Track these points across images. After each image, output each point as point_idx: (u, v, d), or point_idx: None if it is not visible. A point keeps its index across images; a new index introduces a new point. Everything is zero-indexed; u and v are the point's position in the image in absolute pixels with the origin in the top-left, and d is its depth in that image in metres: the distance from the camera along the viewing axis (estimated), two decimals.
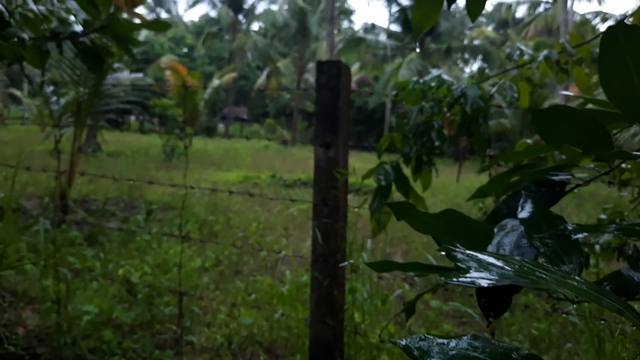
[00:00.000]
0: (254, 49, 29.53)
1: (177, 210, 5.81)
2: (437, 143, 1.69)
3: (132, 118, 30.11)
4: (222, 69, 33.01)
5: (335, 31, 30.14)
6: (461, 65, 29.56)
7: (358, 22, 61.36)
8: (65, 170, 5.22)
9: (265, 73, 30.88)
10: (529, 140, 2.07)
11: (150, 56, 30.02)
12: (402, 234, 5.19)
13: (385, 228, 1.93)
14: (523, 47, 1.63)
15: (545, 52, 1.56)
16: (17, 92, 24.00)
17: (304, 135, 31.79)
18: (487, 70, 1.68)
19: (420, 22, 0.64)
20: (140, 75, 6.58)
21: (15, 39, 1.60)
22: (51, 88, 5.78)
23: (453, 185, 10.33)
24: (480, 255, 0.50)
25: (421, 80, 1.70)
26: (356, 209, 1.92)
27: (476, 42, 27.58)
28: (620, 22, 0.57)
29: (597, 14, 22.02)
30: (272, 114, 38.35)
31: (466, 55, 26.57)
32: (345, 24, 40.72)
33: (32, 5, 1.73)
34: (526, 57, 1.60)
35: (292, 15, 26.44)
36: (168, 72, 17.60)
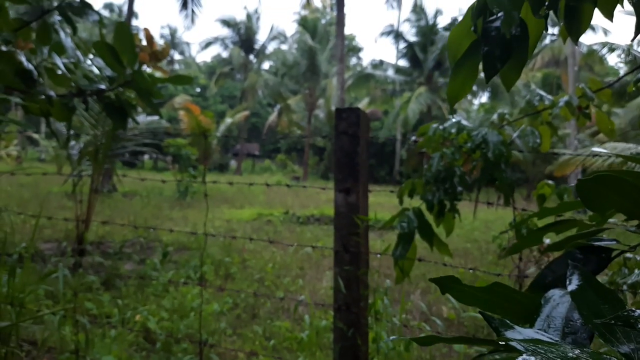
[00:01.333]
0: (265, 87, 30.14)
1: (192, 251, 5.80)
2: (459, 189, 1.68)
3: (146, 157, 30.60)
4: (234, 107, 33.65)
5: (345, 64, 30.70)
6: (470, 97, 29.76)
7: (366, 58, 62.42)
8: (83, 215, 5.28)
9: (276, 110, 31.39)
10: (550, 182, 2.05)
11: (164, 96, 30.77)
12: (420, 272, 5.10)
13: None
14: (542, 93, 1.63)
15: (565, 97, 1.56)
16: (35, 134, 24.60)
17: (315, 170, 31.92)
18: (507, 116, 1.69)
19: (456, 93, 0.64)
20: (156, 118, 6.73)
21: (43, 97, 1.64)
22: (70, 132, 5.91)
23: (469, 219, 10.22)
24: (531, 334, 0.48)
25: (441, 127, 1.70)
26: (378, 255, 1.89)
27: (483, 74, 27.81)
28: (588, 178, 0.57)
29: (603, 44, 22.18)
30: (284, 150, 38.72)
31: (474, 88, 26.79)
32: (353, 60, 41.55)
33: (58, 61, 1.79)
34: (546, 102, 1.60)
35: (301, 53, 27.06)
36: (182, 112, 17.98)
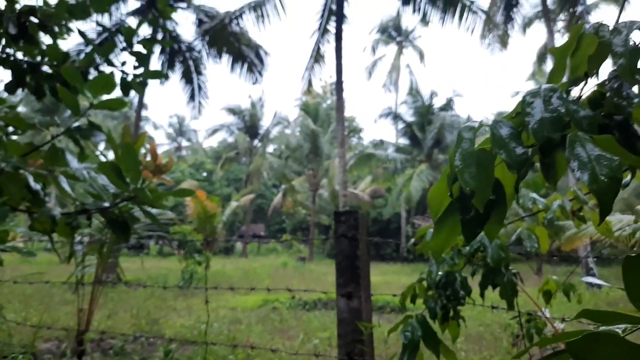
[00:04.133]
0: (270, 169, 30.76)
1: (196, 346, 5.61)
2: (462, 293, 1.66)
3: (152, 242, 30.53)
4: (239, 189, 34.12)
5: (346, 146, 31.60)
6: None
7: (367, 137, 64.12)
8: (84, 311, 5.17)
9: (281, 191, 31.77)
10: (554, 277, 2.02)
11: (167, 207, 31.31)
12: None
13: None
14: (536, 196, 1.67)
15: (558, 201, 1.59)
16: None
17: (320, 250, 31.62)
18: None
19: (440, 248, 0.67)
20: (162, 210, 6.81)
21: (48, 216, 1.69)
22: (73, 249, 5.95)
23: (479, 300, 9.92)
24: None
25: None
26: None
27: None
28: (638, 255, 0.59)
29: None
30: (289, 230, 38.66)
31: None
32: (355, 140, 42.71)
33: (64, 182, 1.85)
34: (540, 205, 1.63)
35: (304, 137, 27.91)
36: (188, 198, 18.22)
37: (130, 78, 2.63)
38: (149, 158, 1.94)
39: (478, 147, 0.61)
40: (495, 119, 0.61)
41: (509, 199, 0.69)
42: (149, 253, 28.86)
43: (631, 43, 0.59)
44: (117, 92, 2.10)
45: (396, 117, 25.95)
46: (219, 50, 16.07)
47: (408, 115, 26.05)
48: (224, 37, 15.40)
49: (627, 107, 0.58)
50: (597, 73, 0.66)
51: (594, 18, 18.52)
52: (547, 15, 15.52)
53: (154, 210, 5.48)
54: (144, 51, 2.74)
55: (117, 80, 2.05)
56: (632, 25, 0.60)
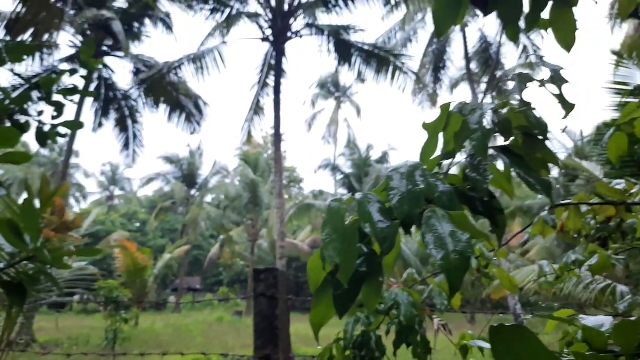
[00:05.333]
0: (208, 219, 29.98)
1: None
2: (377, 354, 1.65)
3: (76, 298, 28.29)
4: (175, 240, 32.85)
5: (286, 196, 31.61)
6: None
7: (307, 187, 64.72)
8: None
9: (218, 242, 30.92)
10: (470, 332, 2.06)
11: (100, 234, 29.62)
12: None
13: None
14: None
15: None
16: None
17: None
18: (415, 275, 1.75)
19: (319, 320, 0.66)
20: (83, 264, 6.37)
21: None
22: None
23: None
24: None
25: None
26: None
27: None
28: (503, 326, 0.61)
29: None
30: (227, 282, 37.37)
31: None
32: (295, 190, 42.92)
33: None
34: None
35: (244, 187, 27.67)
36: (117, 250, 17.22)
37: (47, 128, 2.51)
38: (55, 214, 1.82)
39: (351, 221, 0.62)
40: (366, 192, 0.63)
41: (390, 264, 0.70)
42: (72, 309, 26.74)
43: (486, 122, 0.64)
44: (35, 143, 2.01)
45: (335, 168, 26.52)
46: (156, 99, 15.87)
47: (346, 167, 26.71)
48: (162, 87, 15.27)
49: (483, 182, 0.61)
50: (462, 149, 0.70)
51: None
52: (470, 78, 16.82)
53: (75, 264, 5.18)
54: (64, 101, 2.64)
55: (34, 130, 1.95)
56: (487, 107, 0.65)
